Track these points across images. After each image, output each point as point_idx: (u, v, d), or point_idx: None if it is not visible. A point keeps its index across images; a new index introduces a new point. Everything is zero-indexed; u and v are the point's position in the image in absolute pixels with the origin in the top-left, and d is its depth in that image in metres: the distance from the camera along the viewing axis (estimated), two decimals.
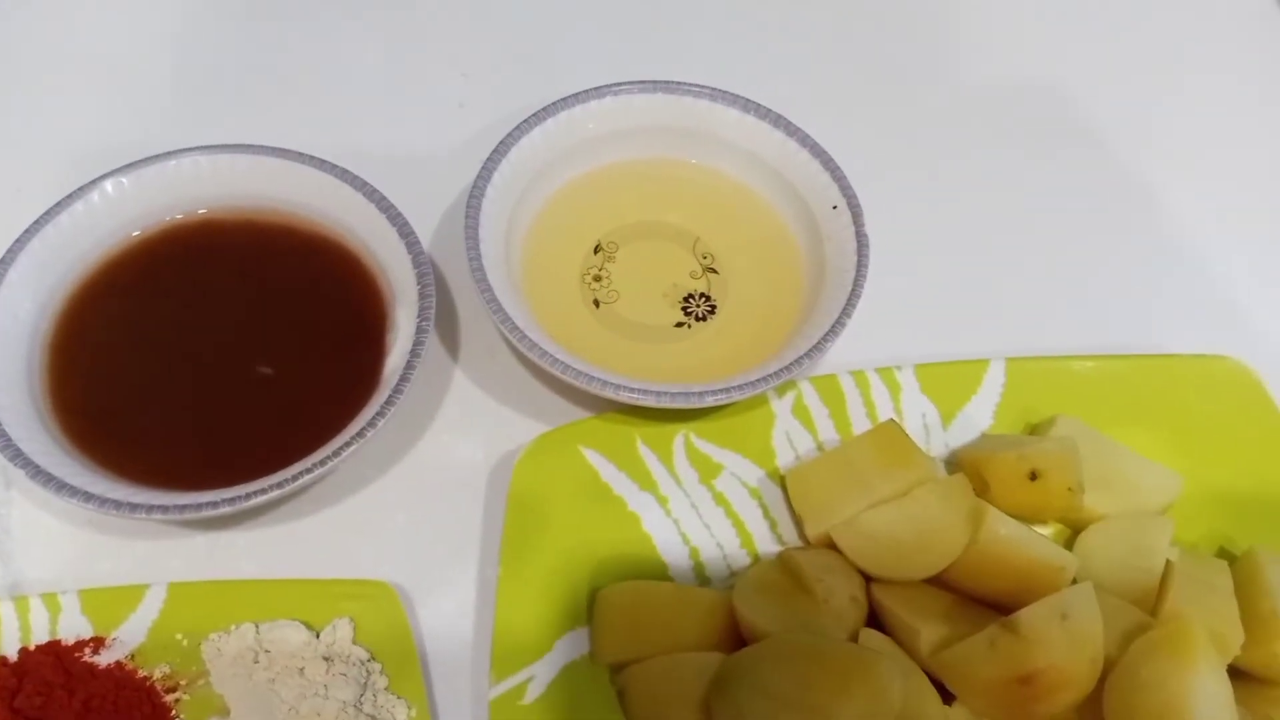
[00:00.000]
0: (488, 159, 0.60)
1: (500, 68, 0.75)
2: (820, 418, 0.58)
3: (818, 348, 0.54)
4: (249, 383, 0.54)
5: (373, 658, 0.49)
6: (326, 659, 0.48)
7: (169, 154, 0.57)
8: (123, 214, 0.57)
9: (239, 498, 0.47)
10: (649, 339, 0.60)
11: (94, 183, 0.56)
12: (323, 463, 0.48)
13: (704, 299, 0.61)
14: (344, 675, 0.48)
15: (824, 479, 0.53)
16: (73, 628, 0.50)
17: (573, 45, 0.76)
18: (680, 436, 0.57)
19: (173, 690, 0.49)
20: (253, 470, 0.51)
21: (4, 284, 0.53)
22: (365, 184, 0.57)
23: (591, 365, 0.53)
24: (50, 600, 0.50)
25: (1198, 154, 0.74)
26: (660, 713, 0.47)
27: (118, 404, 0.54)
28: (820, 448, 0.57)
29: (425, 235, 0.61)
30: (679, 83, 0.63)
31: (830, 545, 0.52)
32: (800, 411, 0.58)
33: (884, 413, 0.58)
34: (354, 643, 0.49)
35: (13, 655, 0.49)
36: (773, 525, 0.55)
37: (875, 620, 0.51)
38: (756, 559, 0.54)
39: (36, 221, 0.55)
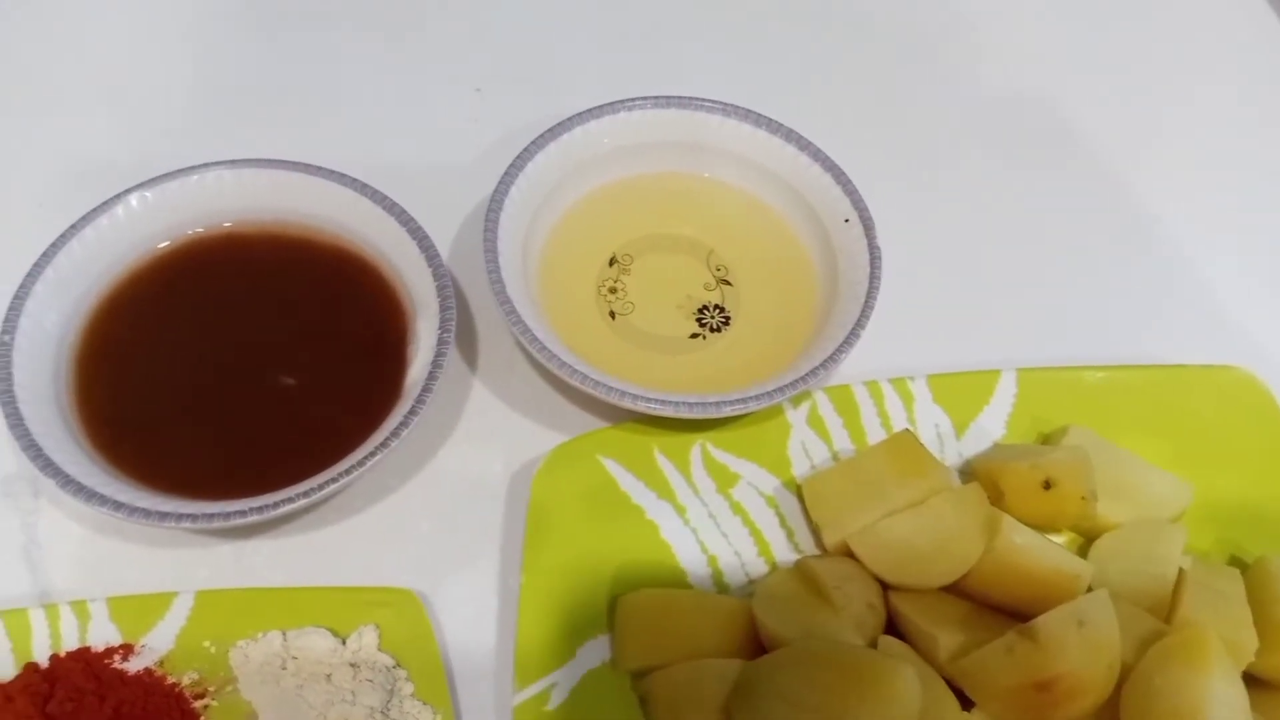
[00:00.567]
0: (505, 174, 0.61)
1: (512, 83, 0.76)
2: (835, 428, 0.59)
3: (833, 359, 0.55)
4: (272, 394, 0.55)
5: (398, 664, 0.50)
6: (353, 665, 0.49)
7: (191, 168, 0.58)
8: (146, 228, 0.58)
9: (266, 507, 0.48)
10: (664, 350, 0.61)
11: (118, 197, 0.57)
12: (348, 472, 0.49)
13: (718, 310, 0.62)
14: (370, 681, 0.48)
15: (840, 488, 0.54)
16: (102, 635, 0.50)
17: (582, 61, 0.77)
18: (697, 446, 0.57)
19: (201, 697, 0.50)
20: (277, 480, 0.51)
21: (31, 297, 0.54)
22: (385, 198, 0.57)
23: (610, 376, 0.54)
24: (80, 607, 0.51)
25: (1208, 165, 0.75)
26: (682, 718, 0.47)
27: (143, 414, 0.54)
28: (835, 457, 0.58)
29: (441, 249, 0.61)
30: (692, 98, 0.64)
31: (847, 553, 0.53)
32: (815, 421, 0.59)
33: (898, 423, 0.59)
34: (379, 649, 0.50)
35: (44, 661, 0.50)
36: (789, 534, 0.56)
37: (893, 628, 0.52)
38: (774, 567, 0.55)
39: (62, 235, 0.56)
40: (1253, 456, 0.57)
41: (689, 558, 0.55)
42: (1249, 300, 0.68)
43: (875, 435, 0.59)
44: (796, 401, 0.59)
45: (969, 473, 0.57)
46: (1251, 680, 0.49)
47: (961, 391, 0.60)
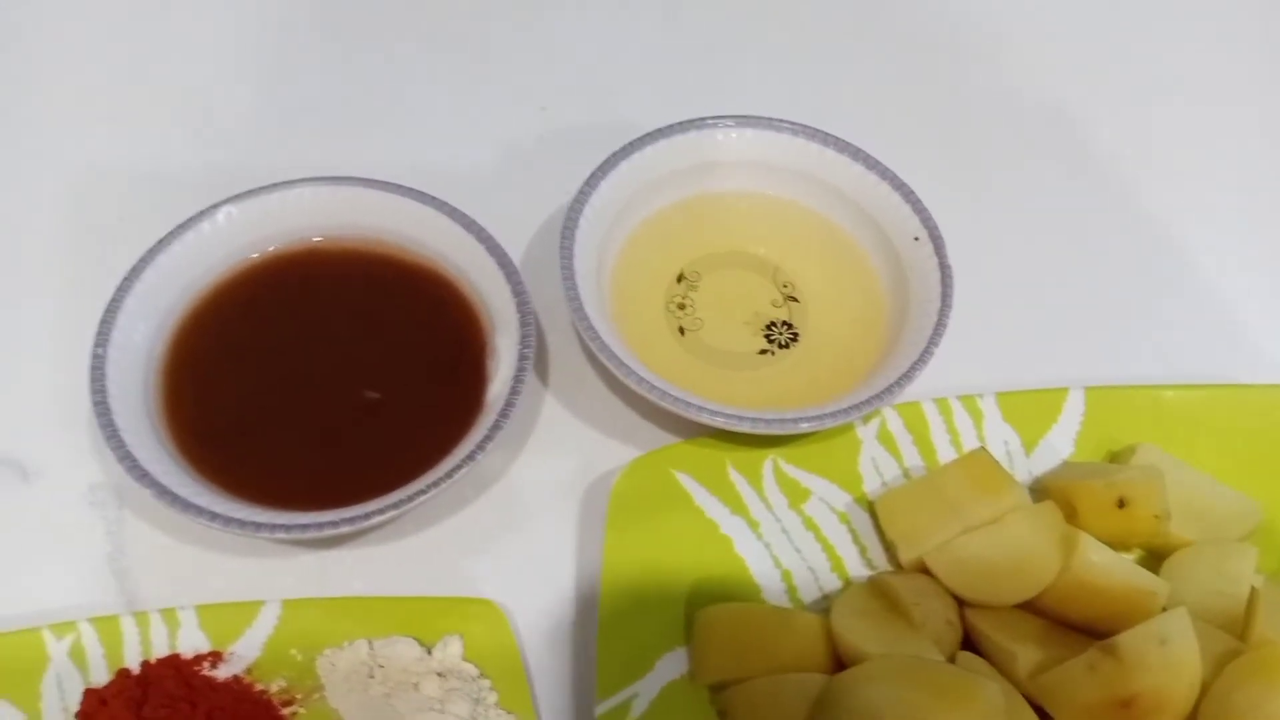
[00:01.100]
0: (579, 192, 0.62)
1: (576, 101, 0.77)
2: (905, 444, 0.59)
3: (907, 375, 0.56)
4: (355, 407, 0.56)
5: (482, 674, 0.51)
6: (440, 674, 0.50)
7: (276, 185, 0.59)
8: (232, 242, 0.59)
9: (358, 518, 0.49)
10: (733, 365, 0.62)
11: (207, 211, 0.58)
12: (436, 484, 0.50)
13: (786, 327, 0.63)
14: (459, 690, 0.49)
15: (915, 505, 0.55)
16: (191, 642, 0.51)
17: (643, 79, 0.78)
18: (769, 462, 0.58)
19: (289, 704, 0.51)
20: (363, 492, 0.52)
21: (122, 310, 0.55)
22: (465, 216, 0.59)
23: (689, 392, 0.55)
24: (169, 615, 0.52)
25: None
26: None
27: (229, 426, 0.55)
28: (906, 474, 0.59)
29: None
30: (759, 117, 0.65)
31: (923, 570, 0.54)
32: (885, 438, 0.59)
33: (967, 440, 0.59)
34: (464, 659, 0.51)
35: (135, 668, 0.51)
36: (862, 550, 0.57)
37: (968, 644, 0.52)
38: (847, 583, 0.56)
39: (151, 250, 0.57)
40: None
41: (763, 572, 0.56)
42: None
43: (945, 452, 0.59)
44: (866, 418, 0.59)
45: (1040, 490, 0.58)
46: None
47: (1030, 409, 0.60)
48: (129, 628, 0.52)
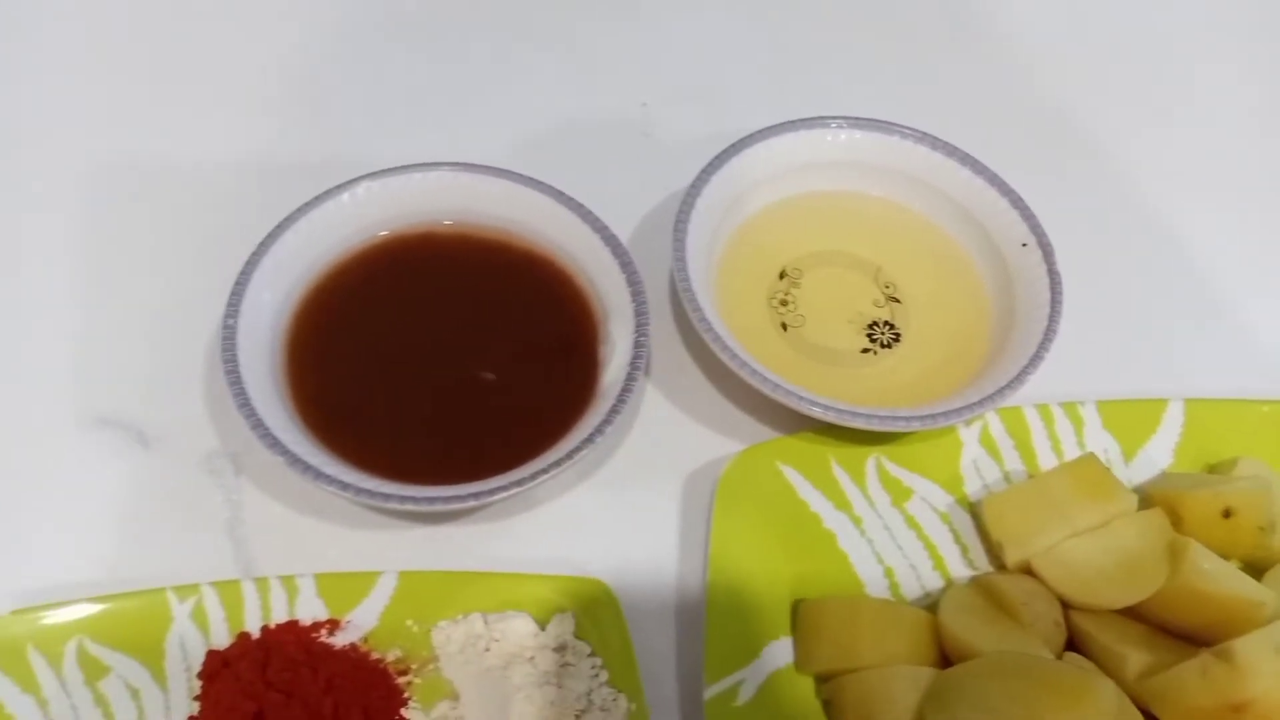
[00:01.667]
0: (690, 186, 0.63)
1: (676, 98, 0.78)
2: (1006, 448, 0.60)
3: (1018, 379, 0.56)
4: (473, 387, 0.57)
5: (593, 652, 0.52)
6: (557, 650, 0.50)
7: (413, 166, 0.61)
8: (362, 219, 0.60)
9: (484, 493, 0.50)
10: (835, 363, 0.62)
11: (345, 185, 0.60)
12: (559, 463, 0.51)
13: (888, 327, 0.64)
14: (574, 666, 0.50)
15: (1023, 507, 0.55)
16: (309, 609, 0.53)
17: (742, 78, 0.80)
18: (872, 459, 0.59)
19: (404, 673, 0.52)
20: (475, 470, 0.53)
21: (250, 283, 0.56)
22: (581, 206, 0.60)
23: (802, 387, 0.56)
24: (288, 582, 0.53)
25: None
26: None
27: (350, 398, 0.57)
28: (1007, 477, 0.59)
29: None
30: (870, 119, 0.66)
31: (1027, 572, 0.54)
32: (987, 441, 0.60)
33: (1067, 446, 0.60)
34: (576, 637, 0.52)
35: (254, 632, 0.52)
36: (964, 550, 0.57)
37: (1070, 647, 0.53)
38: (950, 582, 0.56)
39: (279, 225, 0.58)
40: None
41: (865, 568, 0.56)
42: None
43: (1045, 458, 0.60)
44: (969, 421, 0.60)
45: (1144, 499, 0.58)
46: None
47: (1130, 418, 0.61)
48: (249, 592, 0.53)
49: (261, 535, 0.57)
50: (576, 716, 0.49)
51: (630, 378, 0.54)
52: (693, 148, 0.67)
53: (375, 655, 0.52)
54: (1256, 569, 0.57)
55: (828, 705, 0.52)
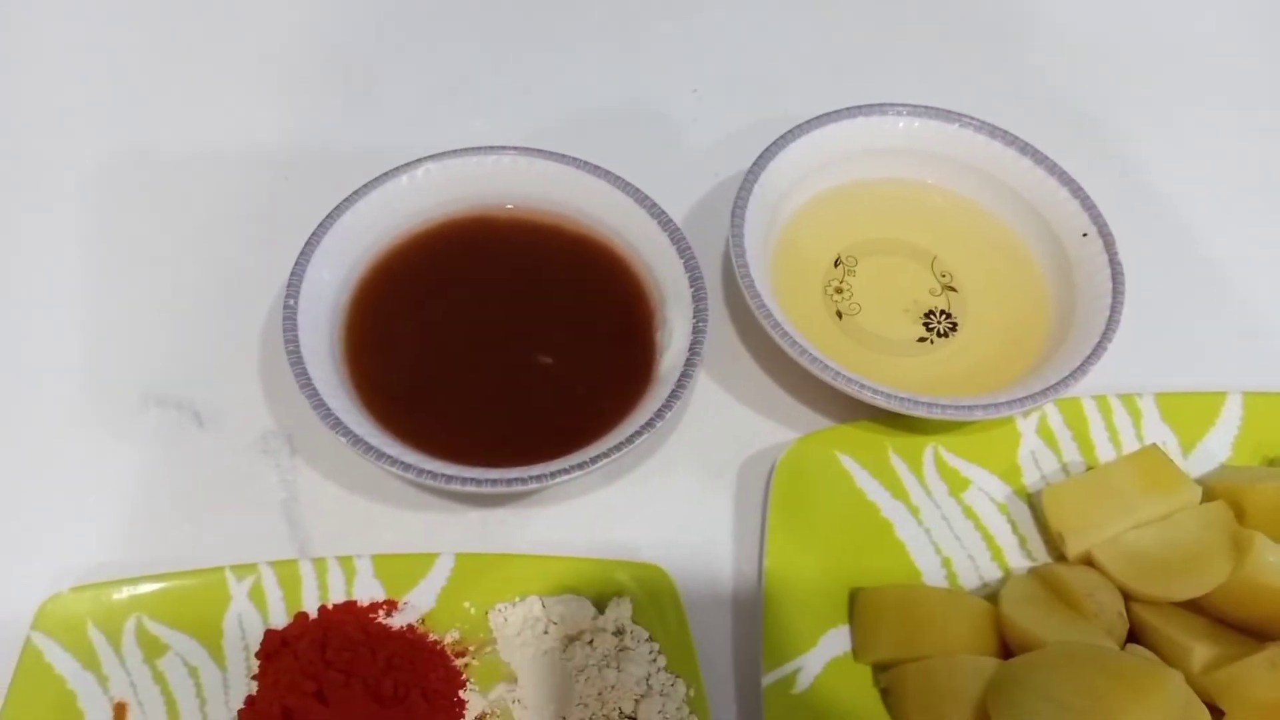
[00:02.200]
0: (748, 173, 0.62)
1: (726, 86, 0.78)
2: (1064, 440, 0.59)
3: (1081, 369, 0.56)
4: (531, 371, 0.57)
5: (651, 637, 0.51)
6: (616, 634, 0.50)
7: (476, 149, 0.61)
8: (423, 200, 0.60)
9: (545, 475, 0.50)
10: (891, 352, 0.62)
11: (408, 165, 0.60)
12: (619, 447, 0.51)
13: (945, 316, 0.63)
14: (632, 650, 0.50)
15: (1085, 498, 0.55)
16: (367, 590, 0.53)
17: (791, 66, 0.79)
18: (930, 449, 0.58)
19: (461, 655, 0.52)
20: (532, 453, 0.53)
21: (311, 265, 0.56)
22: (640, 193, 0.60)
23: (863, 376, 0.55)
24: (346, 563, 0.53)
25: None
26: (935, 712, 0.49)
27: (409, 380, 0.57)
28: (1065, 469, 0.59)
29: None
30: (930, 107, 0.66)
31: (1088, 563, 0.54)
32: (1044, 432, 0.60)
33: (1126, 438, 0.59)
34: (633, 621, 0.51)
35: (312, 612, 0.52)
36: (1022, 541, 0.57)
37: (1133, 638, 0.52)
38: (1008, 572, 0.56)
39: (337, 207, 0.58)
40: None
41: (923, 557, 0.56)
42: None
43: (1103, 450, 0.59)
44: (1027, 412, 0.59)
45: (1206, 492, 0.57)
46: None
47: (1188, 411, 0.60)
48: (307, 572, 0.53)
49: (316, 516, 0.57)
50: (636, 701, 0.49)
51: (689, 363, 0.54)
52: (742, 135, 0.66)
53: (433, 637, 0.52)
54: None
55: (886, 694, 0.51)
